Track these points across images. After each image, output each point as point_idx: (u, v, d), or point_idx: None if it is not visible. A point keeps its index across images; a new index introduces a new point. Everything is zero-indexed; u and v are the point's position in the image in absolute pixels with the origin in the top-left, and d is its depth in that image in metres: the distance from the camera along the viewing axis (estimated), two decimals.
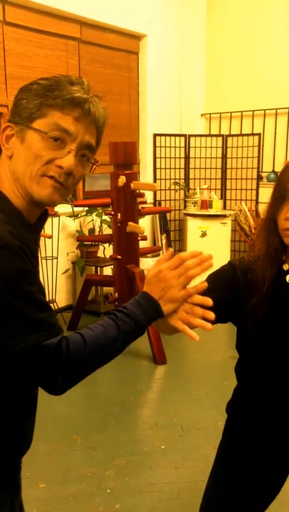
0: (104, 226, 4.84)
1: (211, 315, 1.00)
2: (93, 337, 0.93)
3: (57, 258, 4.51)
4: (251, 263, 1.29)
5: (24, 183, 0.93)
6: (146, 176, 5.74)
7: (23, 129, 0.93)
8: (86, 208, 4.74)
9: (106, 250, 4.94)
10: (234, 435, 1.43)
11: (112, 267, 4.41)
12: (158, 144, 5.75)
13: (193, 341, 0.98)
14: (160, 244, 5.58)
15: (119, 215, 3.90)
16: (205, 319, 1.03)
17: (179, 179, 5.89)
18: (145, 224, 5.36)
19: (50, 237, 3.67)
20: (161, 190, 5.76)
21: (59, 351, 0.89)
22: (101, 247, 4.95)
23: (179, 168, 5.92)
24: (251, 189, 5.77)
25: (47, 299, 3.93)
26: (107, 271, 4.75)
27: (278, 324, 1.26)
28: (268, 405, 1.32)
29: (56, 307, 4.47)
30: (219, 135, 5.96)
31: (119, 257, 4.01)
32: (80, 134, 0.95)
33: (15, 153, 0.94)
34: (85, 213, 4.80)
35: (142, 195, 4.02)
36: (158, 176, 5.79)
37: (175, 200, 5.89)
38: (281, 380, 1.29)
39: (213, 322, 1.28)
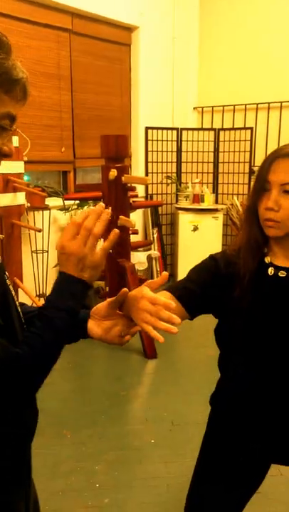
0: None
1: (177, 320, 0.98)
2: (31, 352, 0.90)
3: (47, 252, 4.48)
4: (233, 256, 1.29)
5: None
6: (138, 169, 5.71)
7: None
8: (77, 202, 4.70)
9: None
10: (218, 427, 1.43)
11: None
12: (150, 138, 5.72)
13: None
14: (151, 239, 5.57)
15: (110, 208, 3.86)
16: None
17: (171, 173, 5.87)
18: (136, 218, 5.33)
19: (40, 230, 3.64)
20: (152, 183, 5.73)
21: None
22: None
23: (171, 162, 5.90)
24: (243, 183, 5.76)
25: (38, 293, 3.84)
26: None
27: (262, 316, 1.26)
28: (251, 397, 1.32)
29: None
30: (211, 129, 5.94)
31: (110, 250, 3.99)
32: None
33: None
34: (76, 207, 4.77)
35: (133, 189, 4.00)
36: (150, 170, 5.77)
37: (167, 194, 5.87)
38: (265, 371, 1.29)
39: (195, 313, 1.29)
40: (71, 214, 4.83)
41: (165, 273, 1.10)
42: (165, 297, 1.26)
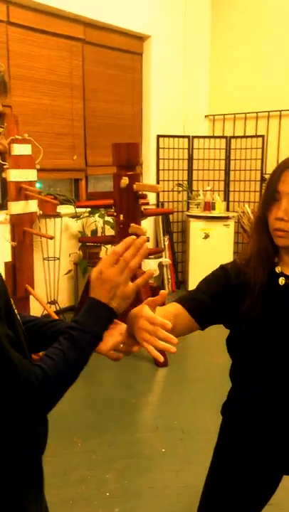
0: (107, 227, 4.83)
1: (174, 340, 0.99)
2: (55, 368, 0.91)
3: (59, 259, 4.50)
4: (243, 266, 1.29)
5: None
6: (149, 177, 5.73)
7: None
8: (89, 209, 4.73)
9: (108, 251, 4.92)
10: (229, 437, 1.42)
11: None
12: (161, 145, 5.74)
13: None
14: (162, 246, 5.56)
15: (121, 216, 3.88)
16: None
17: (182, 180, 5.87)
18: (148, 225, 5.35)
19: (52, 237, 3.66)
20: (164, 191, 5.75)
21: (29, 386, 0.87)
22: (103, 248, 4.93)
23: (182, 170, 5.91)
24: (254, 191, 5.74)
25: (49, 300, 3.84)
26: None
27: (273, 326, 1.25)
28: (262, 407, 1.31)
29: (58, 308, 4.46)
30: (223, 137, 5.94)
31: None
32: None
33: None
34: (87, 214, 4.79)
35: (144, 197, 4.01)
36: (161, 178, 5.78)
37: (178, 201, 5.88)
38: (276, 381, 1.28)
39: (205, 324, 1.28)
40: (82, 222, 4.85)
41: (164, 292, 1.09)
42: (175, 309, 1.26)
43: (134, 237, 1.02)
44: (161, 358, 1.00)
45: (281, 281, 1.26)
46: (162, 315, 1.23)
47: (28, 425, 0.94)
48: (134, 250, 1.00)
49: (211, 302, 1.28)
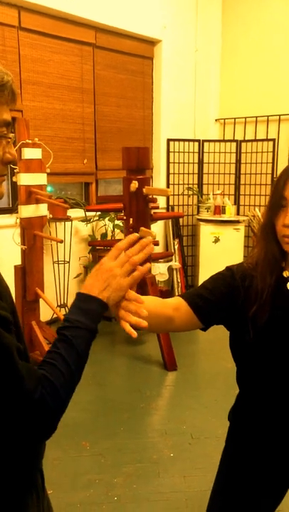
0: (117, 231, 4.84)
1: (143, 312, 0.98)
2: (59, 375, 0.90)
3: (69, 262, 4.51)
4: (250, 269, 1.28)
5: None
6: (159, 181, 5.73)
7: None
8: (99, 213, 4.74)
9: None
10: (236, 443, 1.41)
11: None
12: (171, 149, 5.74)
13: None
14: (172, 250, 5.56)
15: (131, 220, 3.88)
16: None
17: (193, 184, 5.87)
18: (158, 229, 5.35)
19: (61, 241, 3.67)
20: (174, 195, 5.74)
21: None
22: None
23: (193, 174, 5.90)
24: (265, 195, 5.72)
25: (59, 303, 3.84)
26: None
27: (280, 332, 1.24)
28: (269, 414, 1.30)
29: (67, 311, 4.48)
30: (233, 140, 5.93)
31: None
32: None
33: None
34: (97, 218, 4.80)
35: (154, 200, 4.01)
36: (171, 181, 5.78)
37: (188, 205, 5.87)
38: (283, 386, 1.27)
39: (207, 321, 1.28)
40: (92, 225, 4.86)
41: (143, 267, 1.05)
42: (176, 302, 1.26)
43: (137, 234, 1.03)
44: (134, 334, 0.98)
45: None
46: (161, 306, 1.23)
47: (40, 438, 0.93)
48: (139, 247, 1.01)
49: (216, 301, 1.27)
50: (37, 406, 0.85)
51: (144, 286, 3.92)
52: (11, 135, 0.93)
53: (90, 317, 0.95)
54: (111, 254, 1.01)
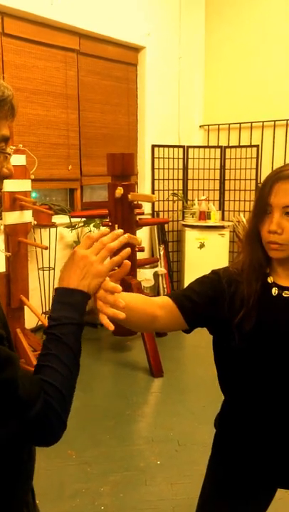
0: None
1: (121, 303, 0.97)
2: (59, 377, 0.89)
3: (54, 269, 4.48)
4: (236, 274, 1.28)
5: None
6: (144, 186, 5.74)
7: None
8: (84, 219, 4.72)
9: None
10: (222, 450, 1.41)
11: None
12: (156, 155, 5.75)
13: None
14: (158, 256, 5.56)
15: (116, 226, 3.88)
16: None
17: (178, 190, 5.88)
18: (143, 235, 5.34)
19: (46, 248, 3.65)
20: (159, 201, 5.75)
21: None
22: None
23: (178, 179, 5.92)
24: (250, 200, 5.76)
25: (44, 310, 3.80)
26: None
27: (266, 337, 1.24)
28: (254, 420, 1.30)
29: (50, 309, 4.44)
30: (218, 146, 5.97)
31: (117, 268, 3.98)
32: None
33: None
34: (82, 224, 4.79)
35: (139, 206, 4.01)
36: (156, 187, 5.79)
37: (173, 211, 5.88)
38: (269, 393, 1.26)
39: (193, 323, 1.27)
40: (77, 232, 4.84)
41: (127, 262, 1.06)
42: (162, 300, 1.26)
43: (108, 229, 1.01)
44: (111, 327, 0.97)
45: (274, 291, 1.26)
46: (146, 303, 1.22)
47: (52, 440, 0.93)
48: (113, 237, 0.99)
49: (203, 304, 1.26)
50: (44, 412, 0.85)
51: (130, 291, 3.90)
52: (9, 150, 0.92)
53: (74, 310, 0.93)
54: (83, 243, 0.99)
